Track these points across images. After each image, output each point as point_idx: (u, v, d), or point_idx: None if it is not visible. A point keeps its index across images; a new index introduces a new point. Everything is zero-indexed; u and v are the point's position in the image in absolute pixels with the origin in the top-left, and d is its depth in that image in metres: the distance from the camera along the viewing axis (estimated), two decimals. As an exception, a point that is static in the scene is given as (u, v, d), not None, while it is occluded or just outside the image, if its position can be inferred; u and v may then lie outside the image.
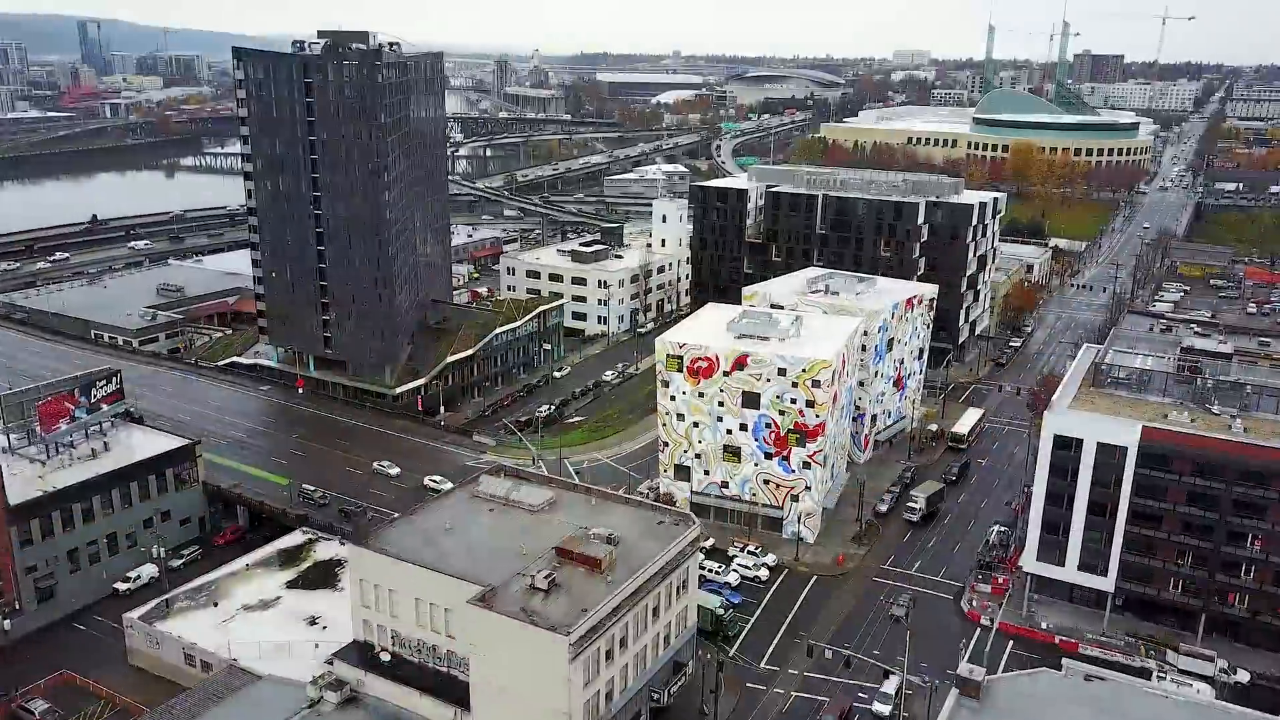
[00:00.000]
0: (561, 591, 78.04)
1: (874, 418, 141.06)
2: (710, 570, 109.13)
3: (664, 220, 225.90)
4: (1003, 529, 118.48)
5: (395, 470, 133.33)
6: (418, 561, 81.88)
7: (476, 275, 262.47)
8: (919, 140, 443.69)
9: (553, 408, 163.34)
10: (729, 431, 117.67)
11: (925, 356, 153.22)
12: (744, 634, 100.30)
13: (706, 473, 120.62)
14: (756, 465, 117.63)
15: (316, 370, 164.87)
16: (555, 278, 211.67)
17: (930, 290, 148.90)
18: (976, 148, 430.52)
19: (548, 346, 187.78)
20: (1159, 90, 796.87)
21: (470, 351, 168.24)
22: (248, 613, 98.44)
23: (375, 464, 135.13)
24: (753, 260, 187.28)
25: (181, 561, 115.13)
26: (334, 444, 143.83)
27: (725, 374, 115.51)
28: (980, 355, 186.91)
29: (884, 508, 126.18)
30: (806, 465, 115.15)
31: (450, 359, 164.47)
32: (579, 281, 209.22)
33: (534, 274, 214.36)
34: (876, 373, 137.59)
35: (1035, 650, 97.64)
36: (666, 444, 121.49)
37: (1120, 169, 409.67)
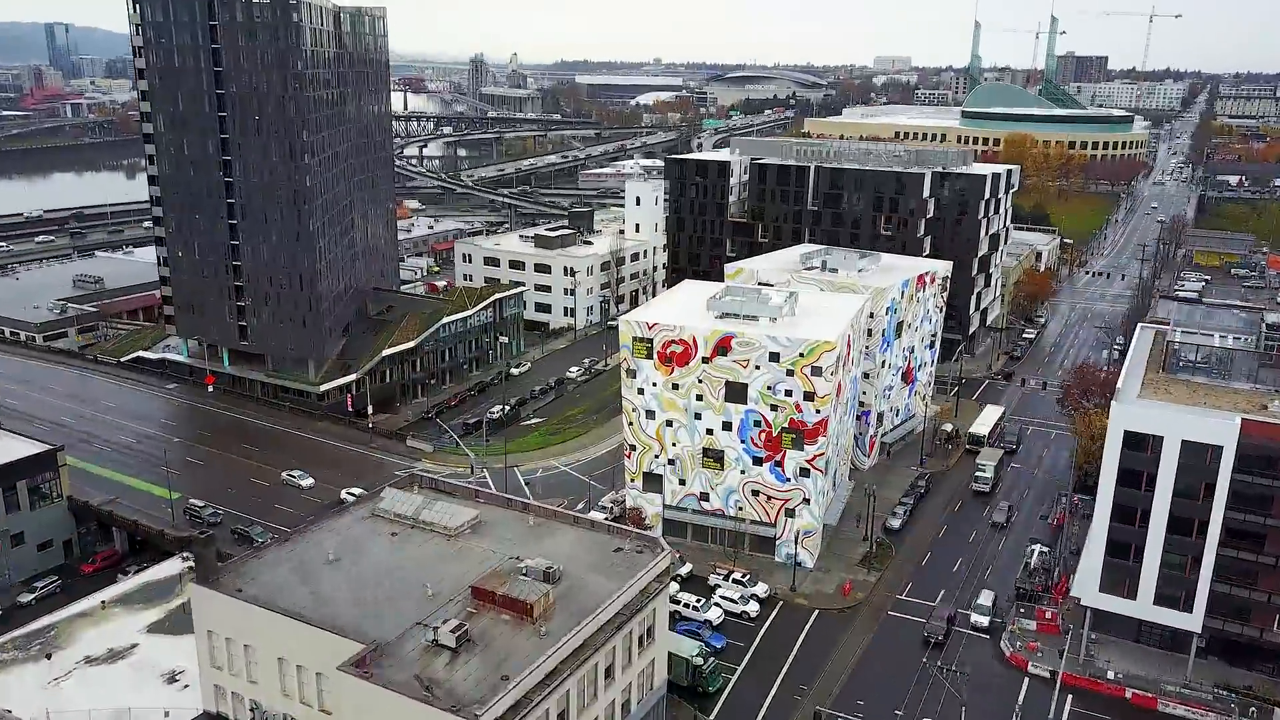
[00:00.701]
0: (476, 650, 55.98)
1: (880, 416, 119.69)
2: (686, 605, 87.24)
3: (638, 203, 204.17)
4: (1043, 549, 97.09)
5: (308, 481, 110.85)
6: (280, 608, 59.59)
7: (437, 269, 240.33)
8: (907, 135, 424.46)
9: (507, 408, 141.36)
10: (709, 432, 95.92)
11: (938, 345, 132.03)
12: (728, 689, 78.33)
13: (682, 482, 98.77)
14: (743, 473, 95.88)
15: (231, 365, 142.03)
16: (516, 265, 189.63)
17: (944, 267, 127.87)
18: (967, 141, 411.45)
19: (504, 340, 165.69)
20: (1146, 90, 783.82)
21: (411, 344, 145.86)
22: (89, 668, 75.70)
23: (285, 474, 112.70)
24: (736, 242, 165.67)
25: (34, 596, 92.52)
26: (241, 450, 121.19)
27: (705, 360, 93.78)
28: (993, 347, 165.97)
29: (897, 523, 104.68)
30: (805, 473, 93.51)
31: (386, 352, 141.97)
32: (543, 269, 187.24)
33: (492, 261, 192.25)
34: (883, 363, 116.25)
35: (1102, 707, 76.26)
36: (633, 448, 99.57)
37: (1117, 163, 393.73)
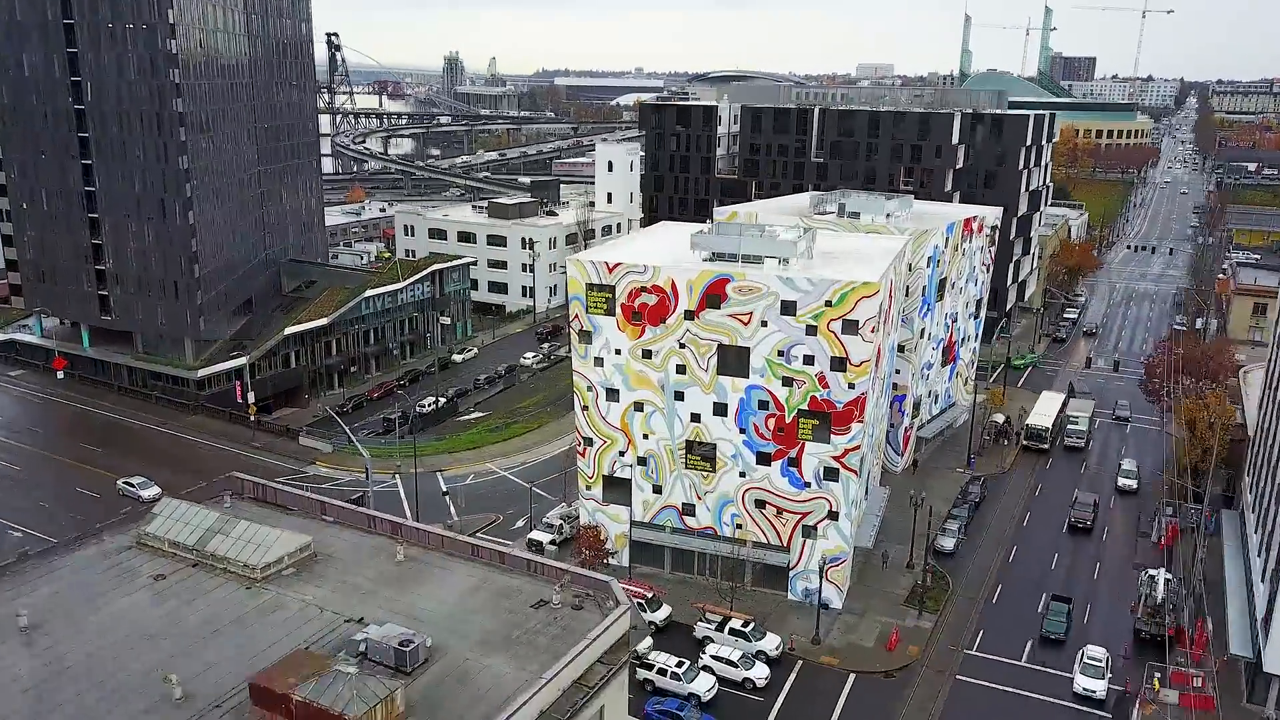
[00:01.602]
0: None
1: (917, 404, 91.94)
2: (662, 672, 58.91)
3: (609, 169, 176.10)
4: (1167, 578, 69.14)
5: (151, 491, 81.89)
6: None
7: (387, 254, 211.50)
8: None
9: (444, 400, 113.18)
10: (695, 418, 67.78)
11: (983, 314, 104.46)
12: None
13: (657, 490, 70.53)
14: (744, 476, 67.80)
15: (92, 347, 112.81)
16: (466, 238, 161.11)
17: (993, 213, 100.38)
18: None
19: (446, 320, 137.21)
20: (1139, 88, 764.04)
21: (323, 322, 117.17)
22: None
23: (122, 482, 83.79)
24: (726, 204, 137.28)
25: None
26: (80, 452, 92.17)
27: (689, 315, 65.72)
28: (1034, 328, 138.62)
29: (950, 544, 76.73)
30: (832, 474, 65.50)
31: (289, 331, 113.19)
32: (497, 241, 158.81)
33: (438, 234, 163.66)
34: (923, 332, 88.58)
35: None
36: (588, 442, 71.22)
37: (1125, 150, 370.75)
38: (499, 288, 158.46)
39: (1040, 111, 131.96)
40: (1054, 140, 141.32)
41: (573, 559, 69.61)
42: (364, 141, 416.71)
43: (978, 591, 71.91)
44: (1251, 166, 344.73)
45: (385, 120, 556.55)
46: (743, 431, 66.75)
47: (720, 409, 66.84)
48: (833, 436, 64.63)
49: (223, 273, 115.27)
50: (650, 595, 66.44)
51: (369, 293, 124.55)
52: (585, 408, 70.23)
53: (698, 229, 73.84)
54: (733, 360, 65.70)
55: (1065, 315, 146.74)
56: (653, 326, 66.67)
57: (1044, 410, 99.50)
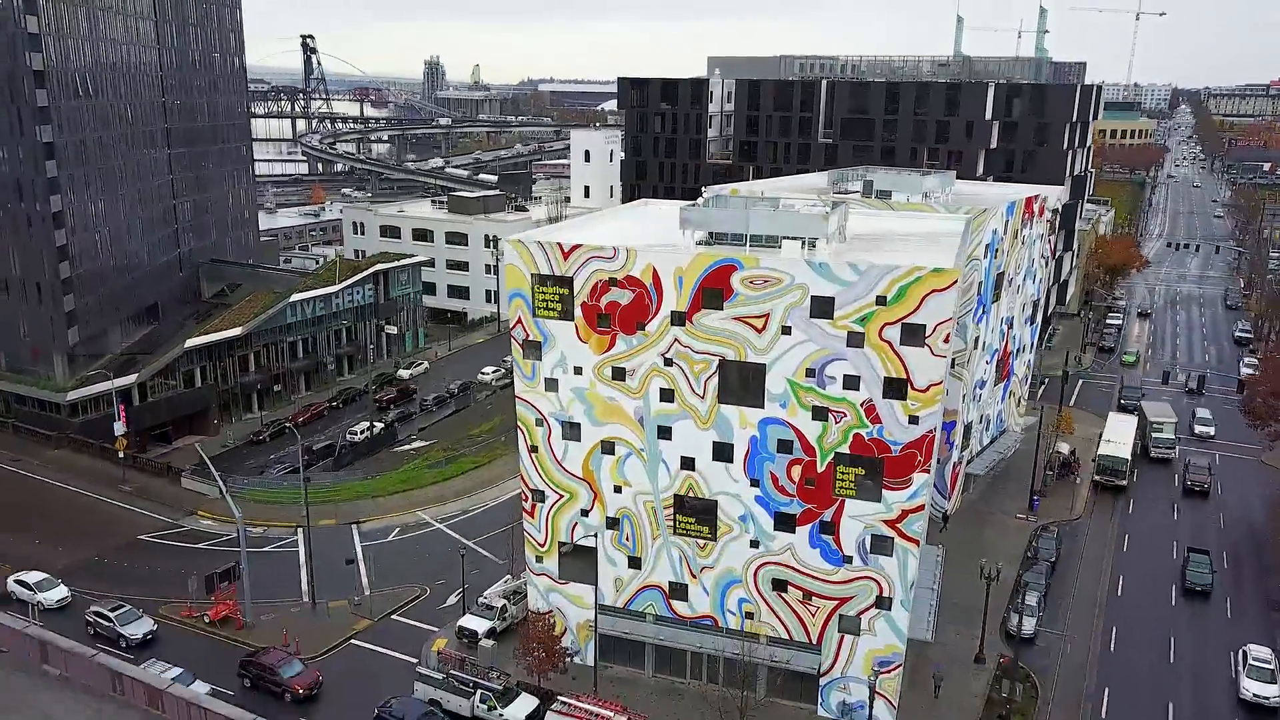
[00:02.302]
0: None
1: (967, 431, 72.37)
2: None
3: (586, 159, 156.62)
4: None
5: (56, 594, 60.98)
6: None
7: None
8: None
9: (380, 426, 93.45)
10: (687, 464, 47.83)
11: (1039, 319, 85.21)
12: None
13: (635, 564, 50.52)
14: (757, 546, 47.91)
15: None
16: (422, 236, 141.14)
17: (1056, 194, 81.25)
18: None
19: (392, 329, 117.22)
20: (1133, 92, 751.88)
21: (235, 333, 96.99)
22: None
23: (14, 580, 62.96)
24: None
25: None
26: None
27: (678, 319, 45.88)
28: (1080, 336, 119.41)
29: (1029, 626, 56.87)
30: (883, 546, 45.73)
31: (192, 344, 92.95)
32: (456, 240, 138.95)
33: (391, 231, 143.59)
34: (976, 341, 68.98)
35: None
36: (538, 497, 51.13)
37: (1131, 149, 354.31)
38: (459, 292, 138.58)
39: (1086, 83, 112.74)
40: (1098, 118, 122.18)
41: (518, 658, 49.71)
42: (334, 143, 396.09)
43: (1077, 697, 52.21)
44: (1265, 166, 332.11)
45: (365, 123, 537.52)
46: (755, 484, 46.96)
47: (723, 452, 47.04)
48: (886, 492, 44.90)
49: (111, 274, 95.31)
50: (624, 722, 46.46)
51: (295, 297, 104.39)
52: (534, 449, 50.29)
53: (687, 205, 54.26)
54: (741, 383, 45.96)
55: (1109, 321, 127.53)
56: (627, 335, 46.87)
57: (1118, 437, 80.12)
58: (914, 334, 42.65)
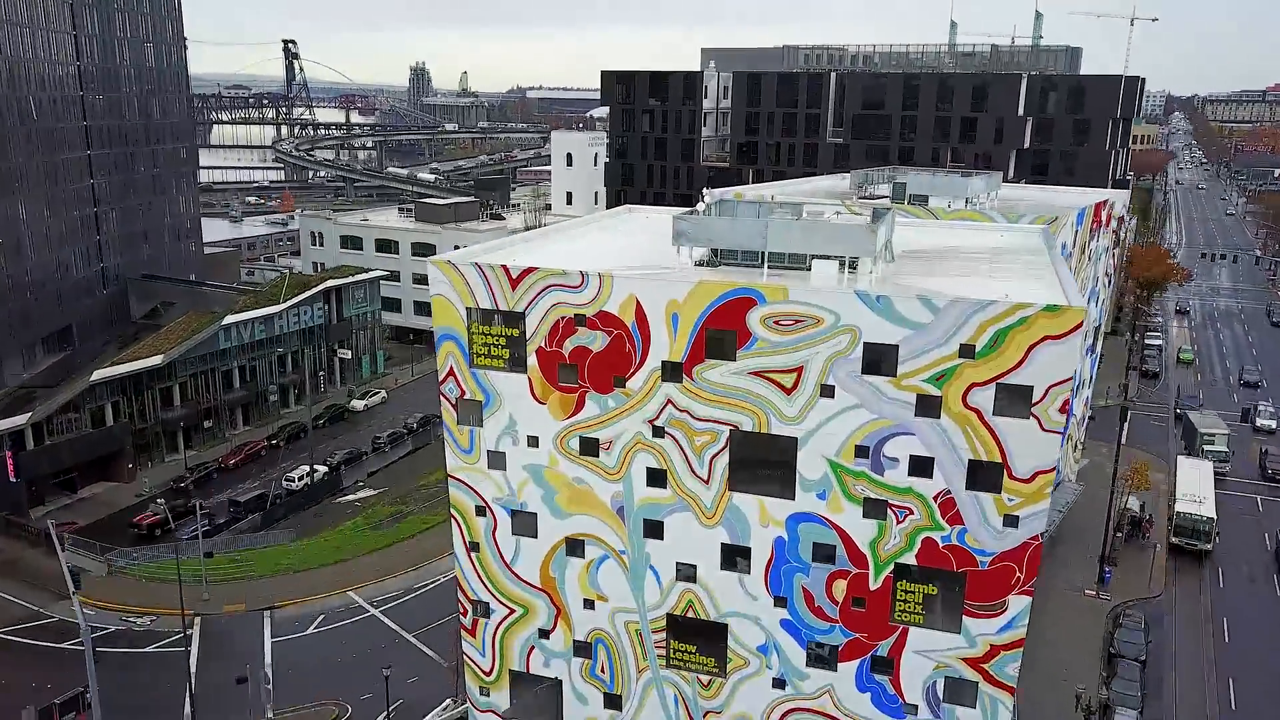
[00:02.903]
0: None
1: (1024, 489, 58.93)
2: None
3: (569, 162, 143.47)
4: None
5: None
6: None
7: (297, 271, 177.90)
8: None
9: (324, 470, 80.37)
10: (686, 574, 34.31)
11: (1099, 346, 72.25)
12: None
13: (614, 703, 36.97)
14: (783, 687, 34.46)
15: None
16: (386, 246, 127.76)
17: (1121, 199, 68.35)
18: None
19: (345, 354, 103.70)
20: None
21: (154, 362, 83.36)
22: None
23: None
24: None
25: None
26: None
27: (672, 374, 32.44)
28: (1125, 359, 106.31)
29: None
30: (963, 694, 32.28)
31: (96, 377, 79.23)
32: (424, 251, 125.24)
33: (352, 243, 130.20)
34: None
35: None
36: (480, 610, 37.54)
37: (1138, 154, 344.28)
38: (427, 309, 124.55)
39: (1131, 74, 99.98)
40: (1138, 115, 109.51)
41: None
42: (312, 149, 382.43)
43: None
44: (1277, 172, 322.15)
45: (346, 129, 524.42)
46: (781, 603, 33.54)
47: (736, 558, 33.61)
48: (968, 620, 31.54)
49: (8, 291, 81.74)
50: None
51: (229, 320, 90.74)
52: (474, 547, 36.78)
53: (683, 213, 41.02)
54: (762, 463, 32.59)
55: (1149, 342, 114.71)
56: (600, 394, 33.47)
57: (1196, 489, 67.03)
58: (1016, 400, 29.38)
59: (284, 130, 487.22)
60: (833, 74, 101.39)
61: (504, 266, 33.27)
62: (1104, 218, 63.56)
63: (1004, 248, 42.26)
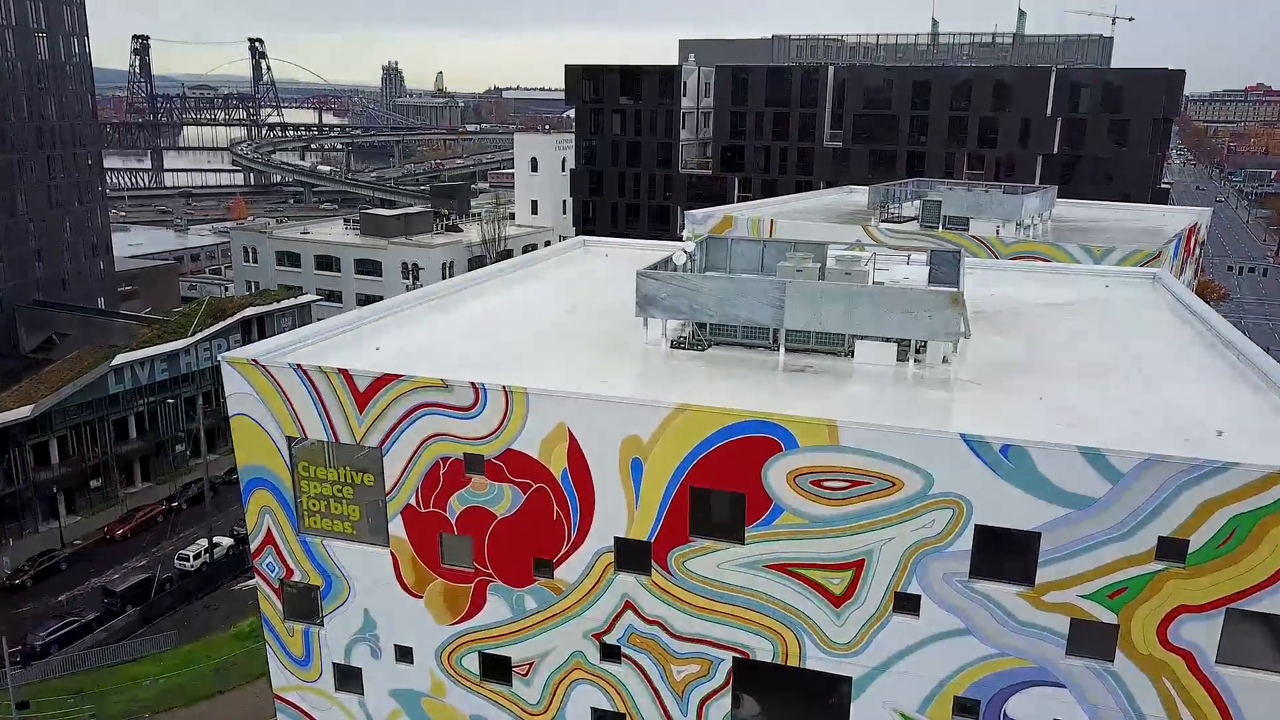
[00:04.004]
0: None
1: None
2: None
3: (533, 168, 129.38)
4: None
5: None
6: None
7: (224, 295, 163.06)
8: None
9: (227, 544, 66.71)
10: None
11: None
12: None
13: None
14: None
15: None
16: (327, 264, 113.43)
17: (1206, 217, 55.18)
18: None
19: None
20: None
21: (23, 414, 68.93)
22: None
23: None
24: (699, 208, 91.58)
25: None
26: None
27: (632, 558, 18.76)
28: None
29: None
30: None
31: (-60, 434, 64.76)
32: (369, 269, 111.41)
33: (289, 259, 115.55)
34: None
35: None
36: None
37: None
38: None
39: (1172, 68, 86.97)
40: (1179, 114, 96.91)
41: None
42: (273, 152, 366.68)
43: None
44: (1274, 174, 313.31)
45: (309, 130, 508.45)
46: None
47: None
48: None
49: None
50: None
51: (121, 359, 76.26)
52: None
53: (653, 266, 27.42)
54: (789, 714, 18.96)
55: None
56: (511, 586, 19.76)
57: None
58: (1263, 639, 15.94)
59: (250, 132, 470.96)
60: (830, 69, 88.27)
61: (344, 371, 19.45)
62: (1192, 245, 50.65)
63: (1119, 308, 28.97)
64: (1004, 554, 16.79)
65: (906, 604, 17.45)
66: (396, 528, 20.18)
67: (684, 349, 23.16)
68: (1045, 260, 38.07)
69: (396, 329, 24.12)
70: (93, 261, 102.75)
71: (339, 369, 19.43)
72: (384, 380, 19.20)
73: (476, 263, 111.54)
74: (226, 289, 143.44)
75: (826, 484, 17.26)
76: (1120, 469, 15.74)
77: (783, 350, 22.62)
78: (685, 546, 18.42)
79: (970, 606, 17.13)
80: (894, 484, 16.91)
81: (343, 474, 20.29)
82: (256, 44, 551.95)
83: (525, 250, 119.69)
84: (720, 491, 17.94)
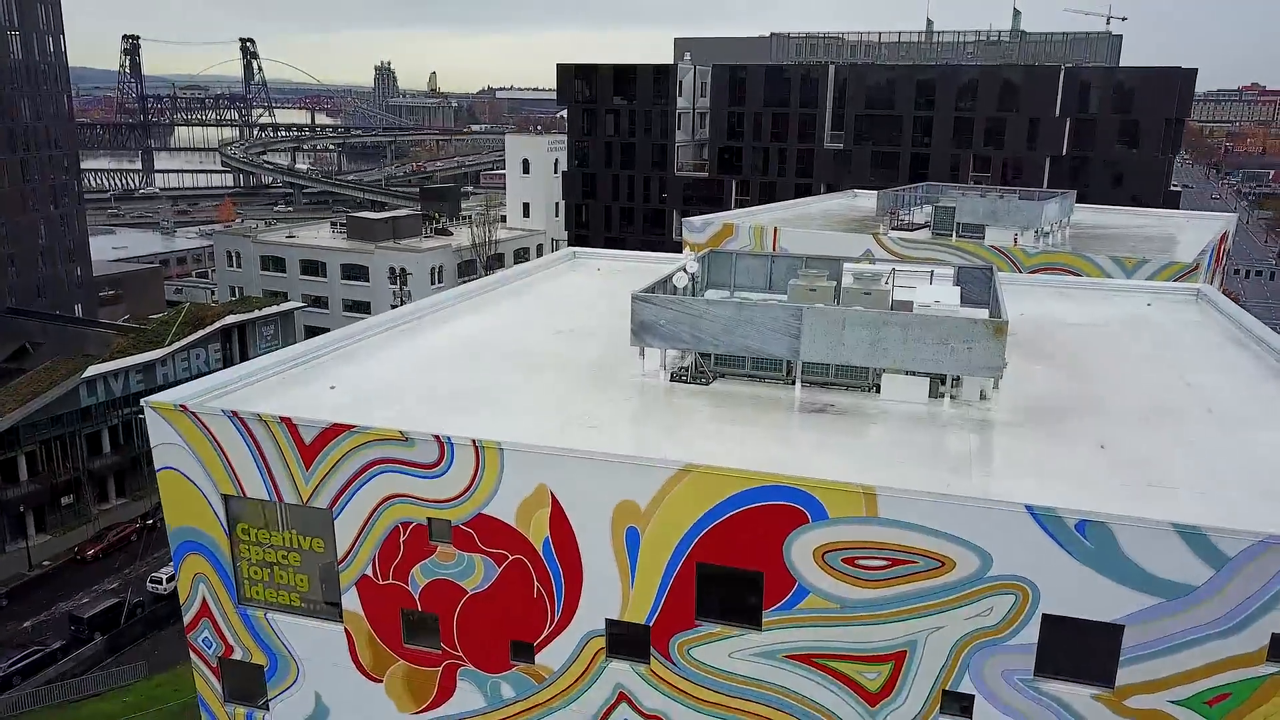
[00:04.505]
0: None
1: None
2: None
3: (525, 170, 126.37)
4: None
5: None
6: None
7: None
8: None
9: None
10: None
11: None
12: None
13: None
14: None
15: None
16: (312, 269, 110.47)
17: (1234, 224, 52.53)
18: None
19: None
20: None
21: (-14, 428, 65.86)
22: None
23: None
24: (695, 211, 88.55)
25: None
26: None
27: (625, 642, 15.86)
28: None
29: None
30: None
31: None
32: (355, 274, 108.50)
33: (274, 264, 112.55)
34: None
35: None
36: None
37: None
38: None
39: (1183, 67, 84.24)
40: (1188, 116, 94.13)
41: None
42: (263, 153, 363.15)
43: None
44: (1272, 174, 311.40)
45: (301, 130, 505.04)
46: None
47: None
48: None
49: None
50: None
51: (94, 370, 73.16)
52: None
53: (650, 269, 24.58)
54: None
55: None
56: (484, 671, 16.79)
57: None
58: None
59: (241, 133, 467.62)
60: (831, 67, 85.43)
61: (286, 420, 16.47)
62: (1222, 254, 47.92)
63: (1166, 330, 26.20)
64: (1078, 649, 13.89)
65: (957, 705, 14.53)
66: (351, 601, 17.22)
67: (685, 382, 20.30)
68: (1075, 274, 35.22)
69: (361, 359, 21.14)
70: (69, 267, 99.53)
71: (281, 417, 16.45)
72: (333, 431, 16.22)
73: (466, 267, 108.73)
74: (213, 292, 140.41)
75: (862, 562, 14.34)
76: (1227, 553, 12.85)
77: (799, 386, 19.75)
78: (691, 632, 15.49)
79: (1035, 710, 14.22)
80: (944, 563, 13.99)
81: (289, 538, 17.32)
82: (248, 44, 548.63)
83: (516, 254, 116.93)
84: (733, 569, 15.01)
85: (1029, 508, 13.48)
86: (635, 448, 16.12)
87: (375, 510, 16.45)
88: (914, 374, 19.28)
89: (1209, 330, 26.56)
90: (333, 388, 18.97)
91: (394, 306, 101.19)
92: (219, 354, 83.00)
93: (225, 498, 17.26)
